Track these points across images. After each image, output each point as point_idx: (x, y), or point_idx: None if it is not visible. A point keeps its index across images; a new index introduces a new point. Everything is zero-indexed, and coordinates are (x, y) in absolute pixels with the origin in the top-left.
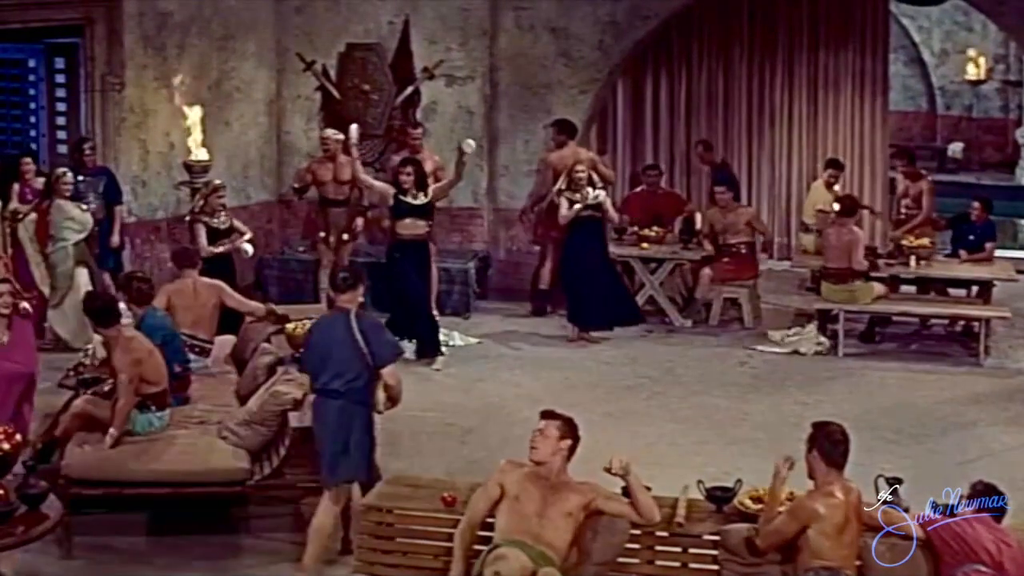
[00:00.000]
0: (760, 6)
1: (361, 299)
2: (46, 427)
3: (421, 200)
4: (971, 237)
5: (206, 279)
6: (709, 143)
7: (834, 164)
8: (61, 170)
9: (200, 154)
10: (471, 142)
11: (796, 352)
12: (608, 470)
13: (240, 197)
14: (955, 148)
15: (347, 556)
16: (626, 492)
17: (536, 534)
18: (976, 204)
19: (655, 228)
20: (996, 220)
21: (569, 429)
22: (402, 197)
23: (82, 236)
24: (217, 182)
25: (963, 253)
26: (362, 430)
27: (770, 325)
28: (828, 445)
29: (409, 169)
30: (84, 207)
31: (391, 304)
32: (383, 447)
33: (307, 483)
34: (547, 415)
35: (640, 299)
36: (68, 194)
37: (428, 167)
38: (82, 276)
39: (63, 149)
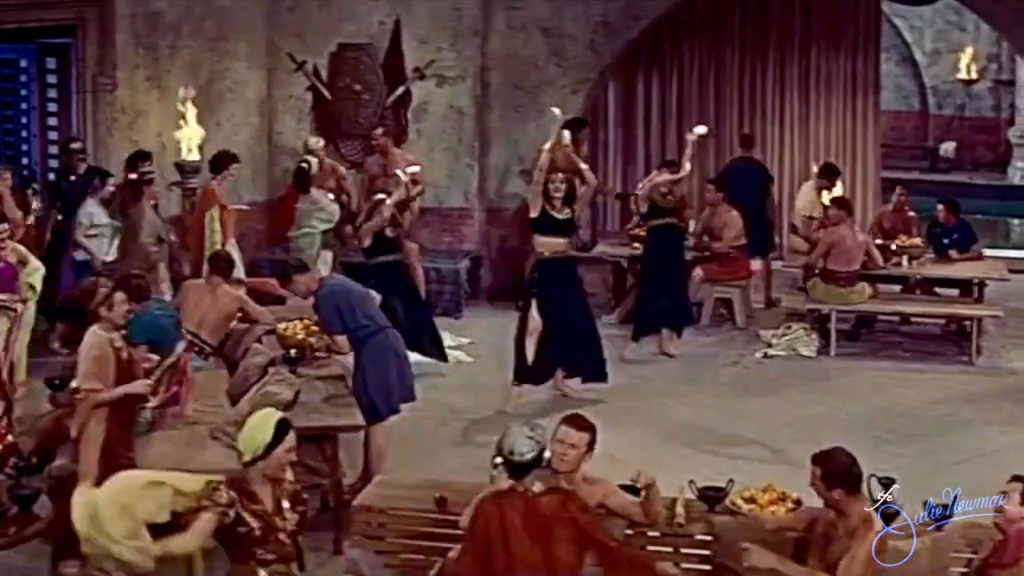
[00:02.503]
0: (752, 5)
1: None
2: (36, 441)
3: (566, 214)
4: (946, 240)
5: (233, 290)
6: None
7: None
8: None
9: (192, 154)
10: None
11: (797, 353)
12: (634, 481)
13: (231, 197)
14: (947, 148)
15: (339, 556)
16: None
17: None
18: (940, 207)
19: None
20: (988, 220)
21: (593, 440)
22: (548, 210)
23: (329, 226)
24: (381, 195)
25: (954, 253)
26: None
27: (762, 325)
28: (850, 478)
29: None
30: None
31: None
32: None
33: (299, 483)
34: (578, 425)
35: (632, 299)
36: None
37: (401, 167)
38: (327, 257)
39: (54, 150)
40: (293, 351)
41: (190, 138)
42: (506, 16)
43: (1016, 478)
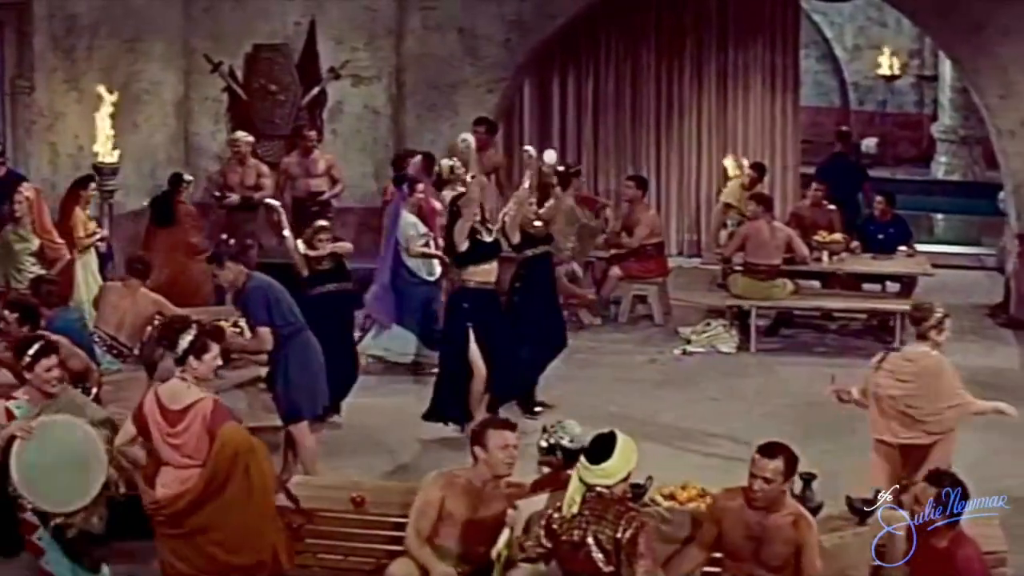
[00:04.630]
0: (667, 1)
1: None
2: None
3: (494, 235)
4: (880, 236)
5: (151, 293)
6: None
7: (755, 167)
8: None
9: (109, 156)
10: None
11: (716, 350)
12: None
13: (148, 198)
14: (868, 143)
15: None
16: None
17: (462, 542)
18: (879, 199)
19: None
20: (910, 215)
21: None
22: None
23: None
24: (322, 223)
25: (902, 250)
26: None
27: (680, 322)
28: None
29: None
30: None
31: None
32: (327, 448)
33: None
34: (515, 428)
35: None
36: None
37: (321, 166)
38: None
39: None
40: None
41: (107, 140)
42: (421, 16)
43: (931, 479)
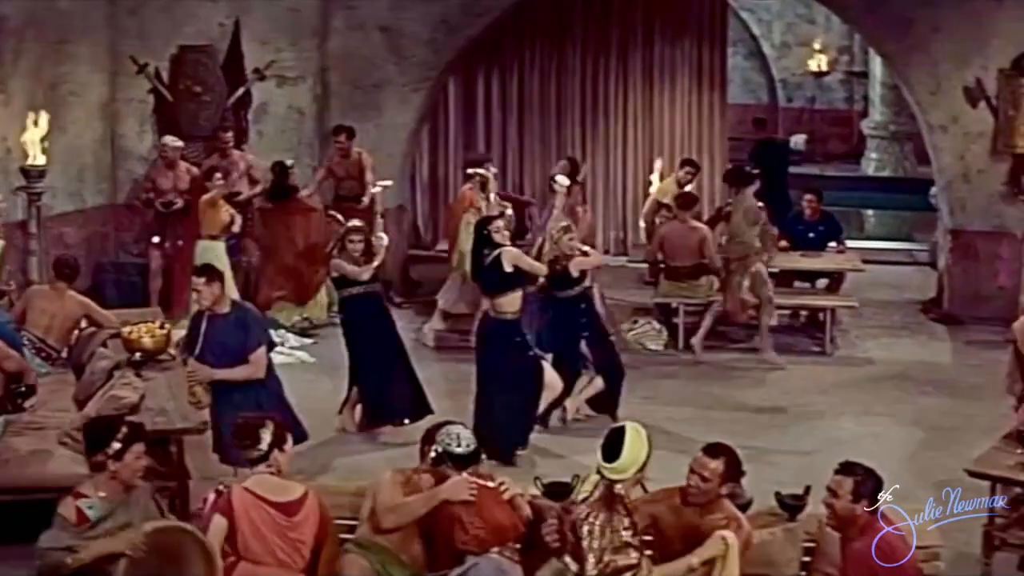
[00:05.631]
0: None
1: None
2: None
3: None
4: (811, 235)
5: (78, 296)
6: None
7: (690, 163)
8: None
9: (37, 159)
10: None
11: (645, 347)
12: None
13: (75, 201)
14: (797, 140)
15: None
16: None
17: (400, 541)
18: (809, 196)
19: None
20: (841, 211)
21: None
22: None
23: None
24: (355, 223)
25: (832, 246)
26: None
27: (608, 320)
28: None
29: (499, 223)
30: None
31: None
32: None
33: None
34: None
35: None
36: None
37: (241, 167)
38: None
39: None
40: (138, 354)
41: (34, 143)
42: (345, 16)
43: (844, 470)
